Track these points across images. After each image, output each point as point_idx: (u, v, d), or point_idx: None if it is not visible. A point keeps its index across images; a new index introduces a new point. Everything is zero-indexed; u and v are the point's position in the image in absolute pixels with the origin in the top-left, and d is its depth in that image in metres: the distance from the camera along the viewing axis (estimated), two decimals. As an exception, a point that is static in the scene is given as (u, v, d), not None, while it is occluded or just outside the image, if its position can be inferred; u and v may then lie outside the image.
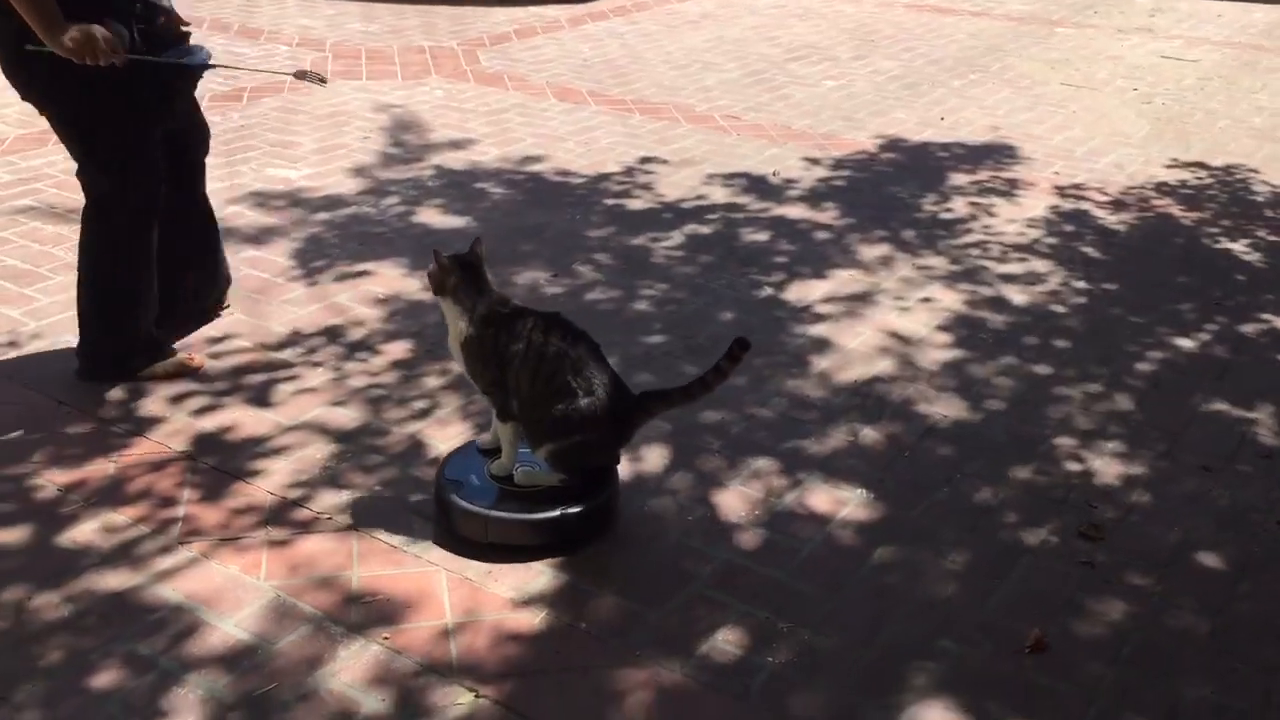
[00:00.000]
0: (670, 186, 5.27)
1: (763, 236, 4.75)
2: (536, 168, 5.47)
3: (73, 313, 3.88)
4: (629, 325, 3.95)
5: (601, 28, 8.49)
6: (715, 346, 3.79)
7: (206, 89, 6.53)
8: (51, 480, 2.99)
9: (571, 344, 2.74)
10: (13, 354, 3.62)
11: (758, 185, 5.33)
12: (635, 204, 5.06)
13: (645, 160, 5.61)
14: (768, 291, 4.25)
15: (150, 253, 3.41)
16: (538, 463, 2.83)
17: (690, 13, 9.05)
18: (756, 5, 9.42)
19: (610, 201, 5.07)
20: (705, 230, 4.79)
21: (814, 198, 5.20)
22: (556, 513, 2.75)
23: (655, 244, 4.63)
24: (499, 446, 2.87)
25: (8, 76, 3.21)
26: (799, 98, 6.80)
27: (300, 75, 3.53)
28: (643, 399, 2.83)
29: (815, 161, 5.68)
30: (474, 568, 2.70)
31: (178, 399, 3.40)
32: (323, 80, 3.50)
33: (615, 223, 4.84)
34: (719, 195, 5.19)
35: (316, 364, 3.63)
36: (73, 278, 4.12)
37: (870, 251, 4.63)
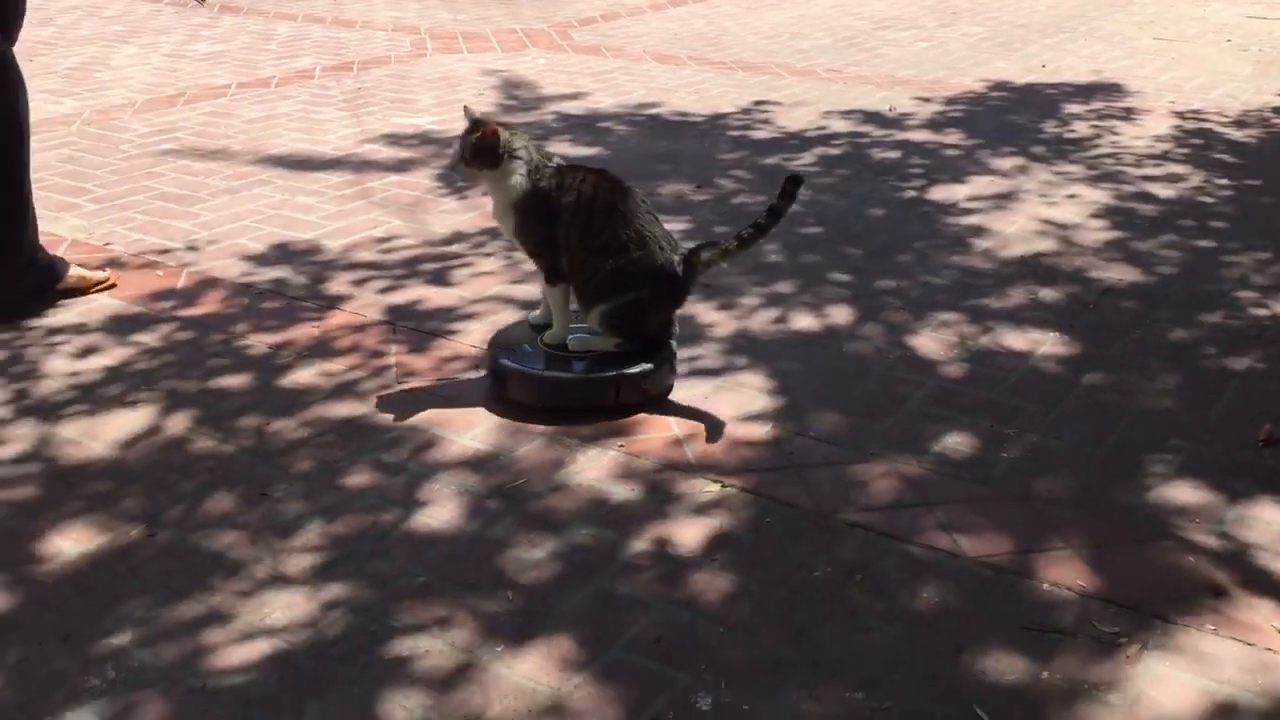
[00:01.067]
0: (789, 121, 5.33)
1: (893, 154, 4.80)
2: (654, 111, 5.55)
3: (242, 223, 4.01)
4: (783, 221, 3.98)
5: (684, 10, 8.61)
6: (871, 234, 3.85)
7: (315, 62, 6.71)
8: (260, 341, 3.07)
9: (621, 198, 2.65)
10: (193, 255, 3.71)
11: (876, 118, 5.38)
12: (759, 134, 5.12)
13: (759, 103, 5.68)
14: (911, 194, 4.29)
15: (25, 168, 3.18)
16: (592, 331, 2.76)
17: (768, -3, 9.18)
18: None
19: (734, 134, 5.14)
20: (835, 151, 4.85)
21: (934, 126, 5.25)
22: (613, 372, 2.68)
23: (788, 162, 4.69)
24: (550, 321, 2.82)
25: None
26: (895, 55, 6.87)
27: None
28: (697, 250, 2.71)
29: (927, 100, 5.73)
30: (693, 393, 2.74)
31: (359, 282, 3.48)
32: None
33: (744, 149, 4.90)
34: (839, 126, 5.24)
35: (487, 254, 3.70)
36: (231, 198, 4.28)
37: (1004, 163, 4.66)
